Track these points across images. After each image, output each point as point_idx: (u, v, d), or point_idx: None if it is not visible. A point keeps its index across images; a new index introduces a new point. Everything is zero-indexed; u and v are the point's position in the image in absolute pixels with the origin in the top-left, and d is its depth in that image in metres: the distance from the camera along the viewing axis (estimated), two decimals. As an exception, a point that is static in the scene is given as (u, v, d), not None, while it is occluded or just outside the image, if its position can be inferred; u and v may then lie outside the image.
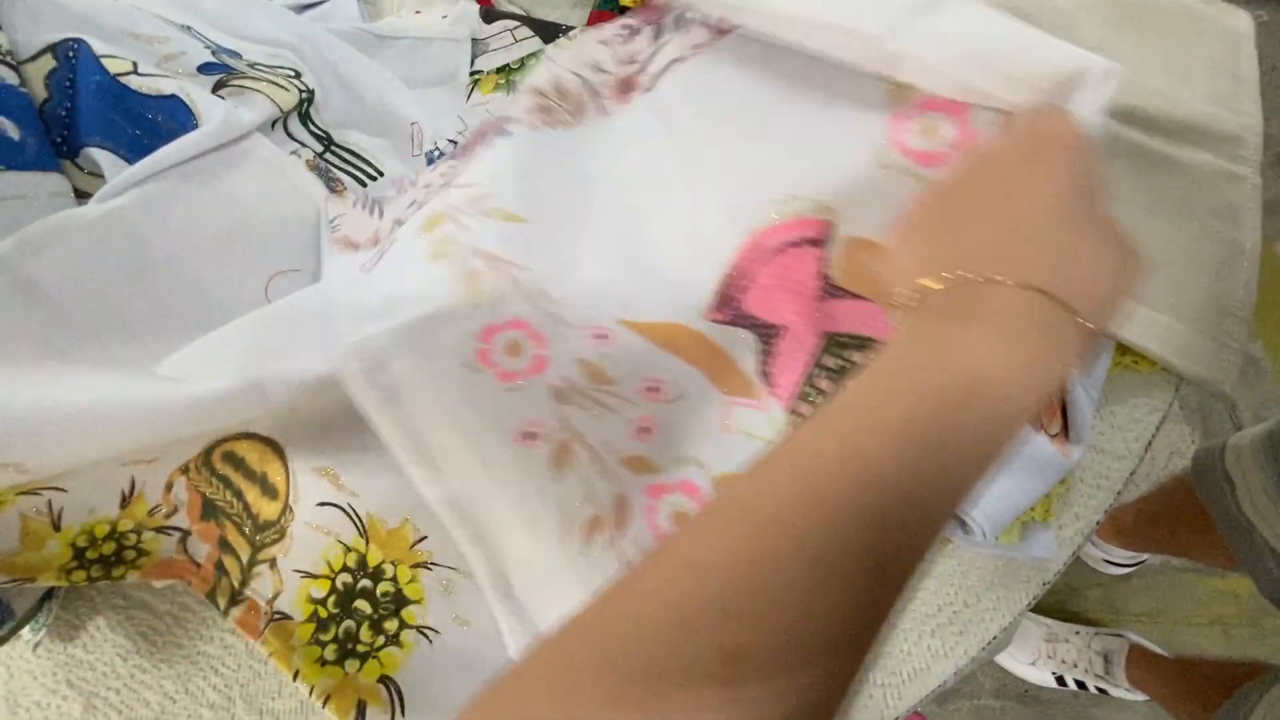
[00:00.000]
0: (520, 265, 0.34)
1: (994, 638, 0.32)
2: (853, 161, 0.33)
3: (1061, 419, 0.34)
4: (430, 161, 0.47)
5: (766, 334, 0.35)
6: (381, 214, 0.39)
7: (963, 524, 0.32)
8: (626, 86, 0.42)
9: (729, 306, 0.35)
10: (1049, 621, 0.91)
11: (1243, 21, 0.49)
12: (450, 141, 0.48)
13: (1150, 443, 0.35)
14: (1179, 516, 0.71)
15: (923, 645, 0.32)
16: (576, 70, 0.42)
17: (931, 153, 0.32)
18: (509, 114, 0.41)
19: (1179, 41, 0.47)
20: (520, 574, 0.32)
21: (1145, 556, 0.92)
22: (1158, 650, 0.86)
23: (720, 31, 0.40)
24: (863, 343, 0.33)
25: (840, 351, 0.34)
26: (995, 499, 0.31)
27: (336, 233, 0.40)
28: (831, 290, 0.34)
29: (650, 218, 0.37)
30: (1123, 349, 0.37)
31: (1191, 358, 0.37)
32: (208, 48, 0.43)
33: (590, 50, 0.43)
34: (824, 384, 0.34)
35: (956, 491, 0.18)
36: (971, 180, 0.22)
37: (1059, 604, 0.95)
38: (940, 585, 0.33)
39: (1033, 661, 0.89)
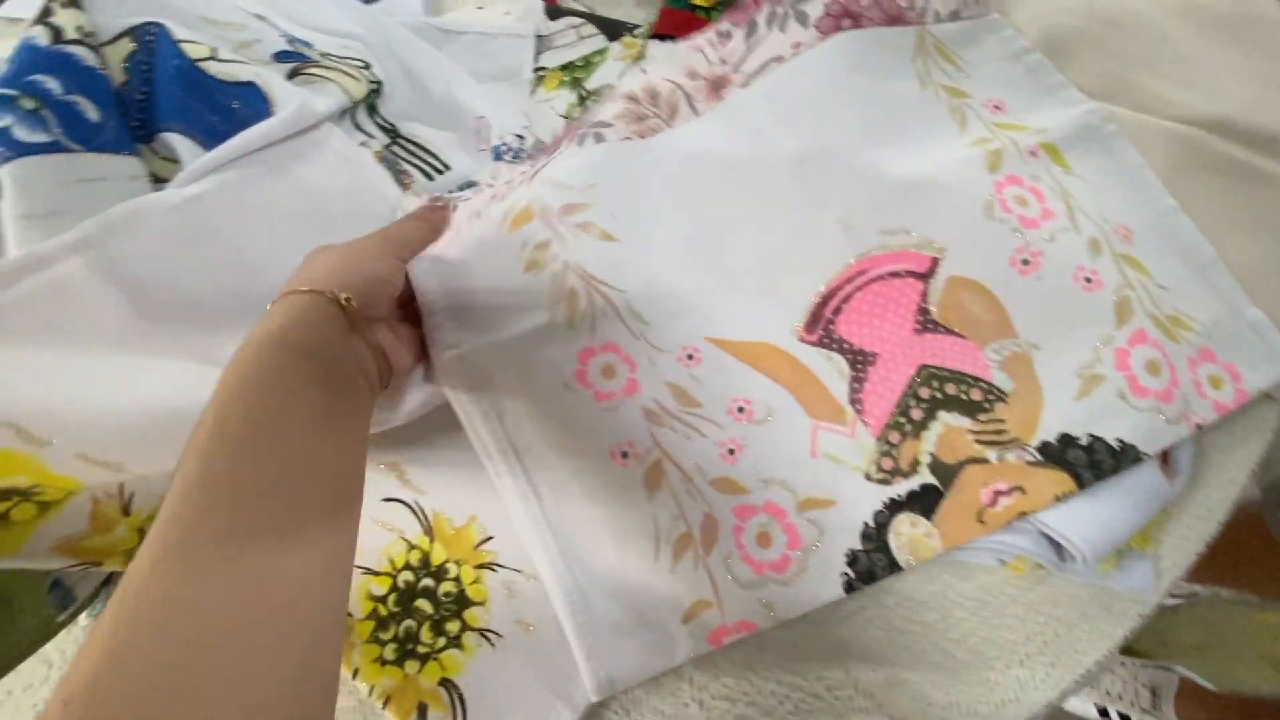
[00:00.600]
0: (614, 286, 0.35)
1: (1087, 670, 0.30)
2: (967, 209, 0.36)
3: (1162, 445, 0.33)
4: (498, 156, 0.46)
5: (858, 360, 0.34)
6: (455, 208, 0.39)
7: (1059, 549, 0.31)
8: (720, 84, 0.41)
9: (821, 327, 0.35)
10: (1090, 649, 0.88)
11: (1340, 34, 0.47)
12: (517, 136, 0.47)
13: (1254, 470, 0.33)
14: (1242, 547, 0.68)
15: (1010, 675, 0.30)
16: (670, 77, 0.42)
17: (1028, 218, 0.35)
18: (601, 118, 0.40)
19: (1273, 54, 0.46)
20: (603, 596, 0.31)
21: (1196, 587, 0.89)
22: (1209, 686, 0.82)
23: (821, 32, 0.40)
24: (958, 377, 0.34)
25: (935, 384, 0.34)
26: (1097, 526, 0.29)
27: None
28: (929, 324, 0.34)
29: (747, 225, 0.37)
30: (1223, 371, 0.35)
31: (1297, 382, 0.35)
32: (282, 36, 0.42)
33: (685, 57, 0.43)
34: (917, 414, 0.33)
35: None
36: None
37: (1100, 632, 0.92)
38: (1029, 613, 0.31)
39: (1073, 690, 0.86)
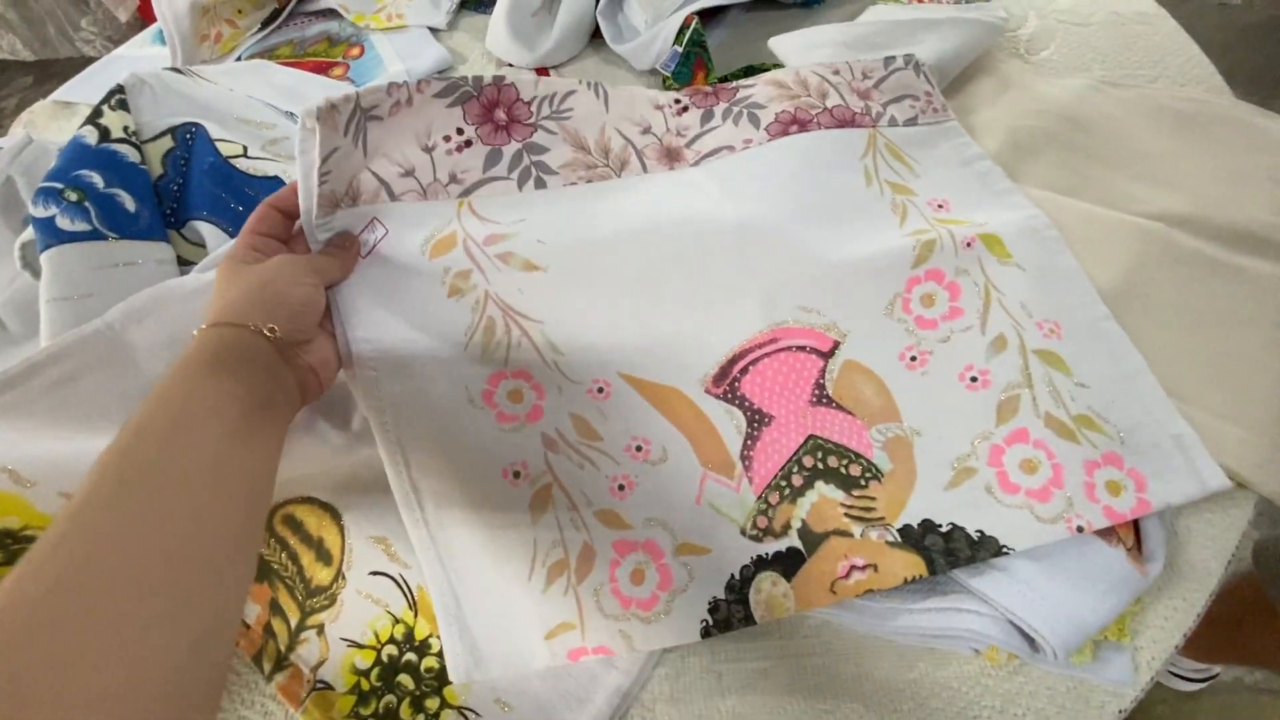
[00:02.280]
0: (533, 318, 0.37)
1: (1066, 767, 0.30)
2: (872, 305, 0.38)
3: (1134, 534, 0.33)
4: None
5: (755, 418, 0.36)
6: (365, 150, 0.38)
7: (1031, 641, 0.31)
8: (671, 155, 0.44)
9: (727, 382, 0.37)
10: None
11: (1297, 133, 0.49)
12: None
13: (1230, 560, 0.34)
14: (1246, 616, 0.66)
15: (988, 770, 0.30)
16: (623, 130, 0.44)
17: (927, 319, 0.38)
18: (547, 162, 0.42)
19: (1236, 152, 0.48)
20: (473, 599, 0.32)
21: (1216, 670, 0.85)
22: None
23: (770, 135, 0.43)
24: (841, 450, 0.35)
25: (819, 454, 0.35)
26: (1065, 618, 0.29)
27: (311, 160, 0.35)
28: (823, 398, 0.36)
29: (676, 276, 0.39)
30: (1195, 460, 0.36)
31: (1267, 471, 0.35)
32: (308, 133, 0.47)
33: (642, 109, 0.45)
34: (797, 480, 0.35)
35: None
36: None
37: (1119, 721, 0.87)
38: (1006, 705, 0.31)
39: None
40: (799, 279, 0.39)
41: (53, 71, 2.00)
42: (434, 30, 0.70)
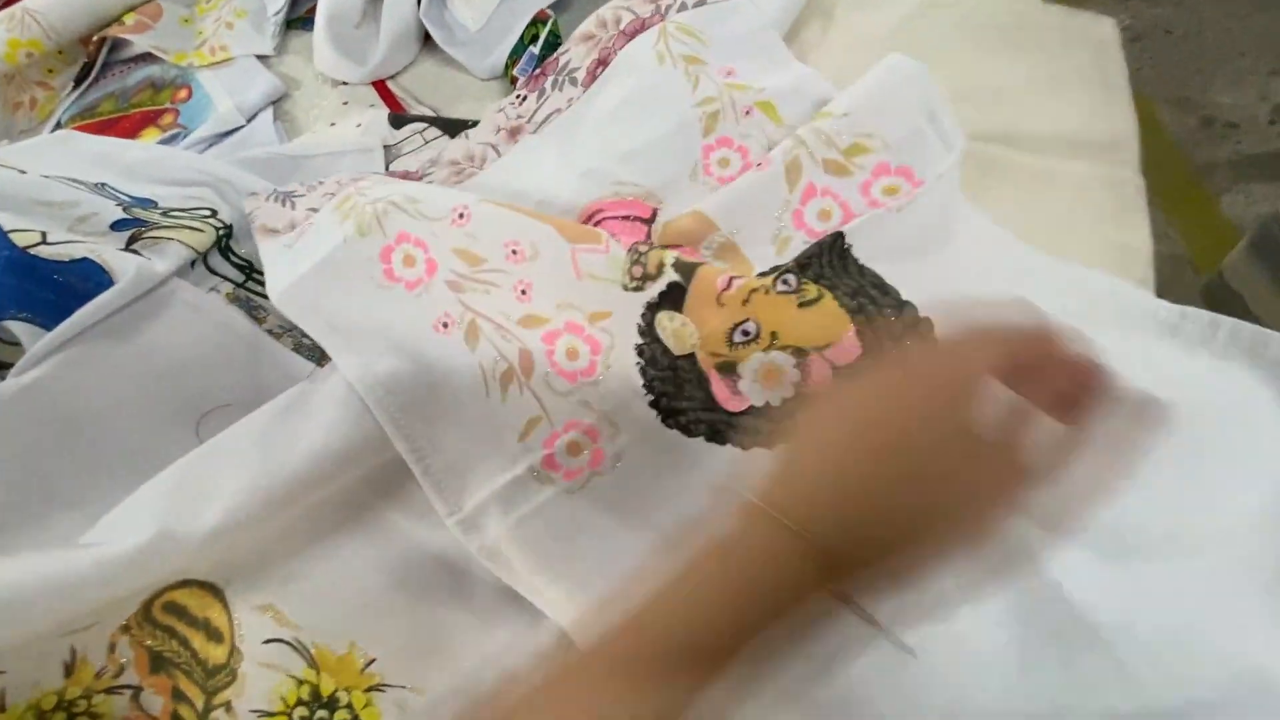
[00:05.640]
0: (399, 195, 0.42)
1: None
2: (677, 172, 0.44)
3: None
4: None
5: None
6: (294, 206, 0.46)
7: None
8: (516, 131, 0.51)
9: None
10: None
11: (1107, 28, 0.51)
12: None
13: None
14: None
15: None
16: (485, 140, 0.51)
17: (726, 178, 0.44)
18: (430, 174, 0.51)
19: (1052, 56, 0.50)
20: (445, 432, 0.37)
21: None
22: None
23: (584, 86, 0.49)
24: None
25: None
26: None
27: (255, 224, 0.46)
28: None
29: (522, 175, 0.47)
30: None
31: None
32: (120, 204, 0.44)
33: (492, 119, 0.52)
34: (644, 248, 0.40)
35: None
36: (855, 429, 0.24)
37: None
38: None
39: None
40: (614, 159, 0.44)
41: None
42: (263, 58, 0.66)
